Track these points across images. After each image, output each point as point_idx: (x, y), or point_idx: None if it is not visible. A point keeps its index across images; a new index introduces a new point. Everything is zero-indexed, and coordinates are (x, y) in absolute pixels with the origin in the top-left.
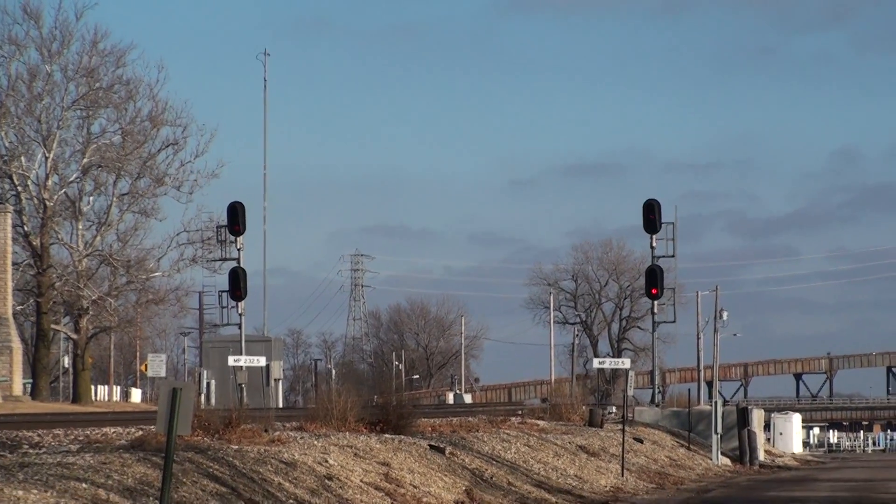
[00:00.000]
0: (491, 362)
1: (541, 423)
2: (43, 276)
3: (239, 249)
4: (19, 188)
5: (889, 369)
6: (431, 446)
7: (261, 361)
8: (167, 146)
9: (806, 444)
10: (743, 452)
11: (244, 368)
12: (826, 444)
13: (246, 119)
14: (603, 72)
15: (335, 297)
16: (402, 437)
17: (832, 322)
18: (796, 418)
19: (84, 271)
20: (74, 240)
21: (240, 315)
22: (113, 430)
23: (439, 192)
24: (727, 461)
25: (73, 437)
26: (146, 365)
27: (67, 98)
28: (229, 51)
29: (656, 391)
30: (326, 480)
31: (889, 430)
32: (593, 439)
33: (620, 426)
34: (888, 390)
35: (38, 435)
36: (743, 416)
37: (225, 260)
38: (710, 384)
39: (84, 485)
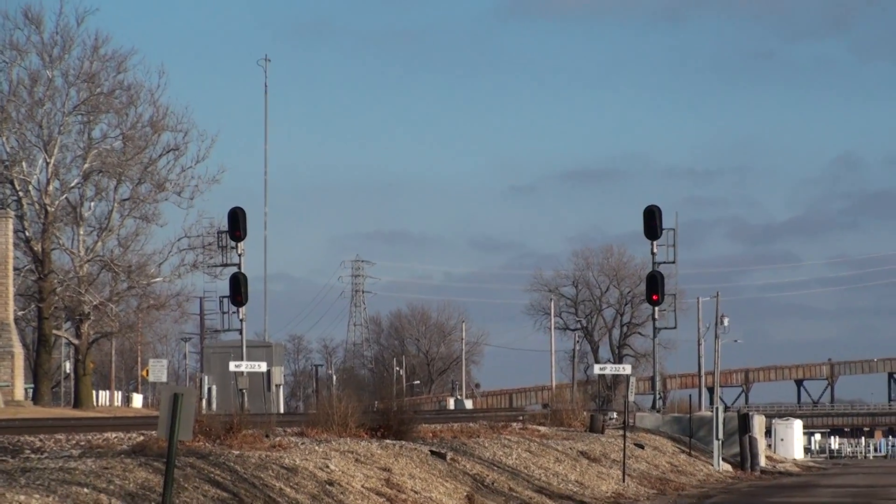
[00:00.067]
0: (492, 368)
1: (542, 428)
2: (44, 281)
3: (240, 255)
4: (20, 193)
5: (890, 375)
6: (432, 452)
7: (262, 367)
8: (168, 151)
9: (807, 450)
10: (744, 458)
11: (245, 374)
12: (827, 451)
13: (246, 124)
14: (603, 77)
15: (336, 303)
16: (403, 442)
17: (833, 328)
18: (797, 424)
19: (85, 277)
20: (75, 245)
21: (241, 320)
22: (114, 435)
23: (439, 197)
24: (728, 467)
25: (74, 442)
26: (147, 370)
27: (68, 103)
28: (230, 56)
29: (657, 397)
30: (328, 486)
31: (890, 437)
32: (594, 445)
33: (621, 432)
34: (889, 396)
35: (40, 440)
36: (744, 422)
37: (226, 265)
38: (711, 390)
39: (86, 490)
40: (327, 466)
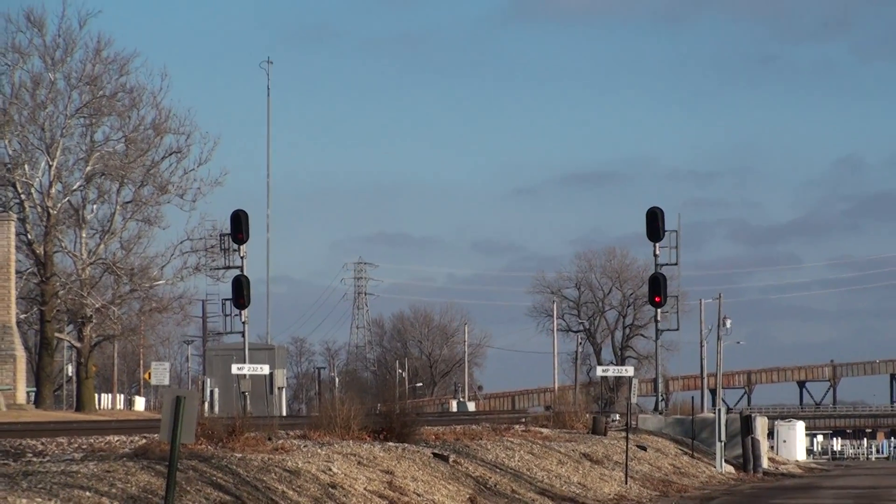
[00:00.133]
0: (494, 370)
1: (544, 430)
2: (46, 284)
3: (242, 257)
4: (23, 196)
5: (892, 377)
6: (435, 454)
7: (264, 369)
8: (170, 154)
9: (809, 451)
10: (746, 460)
11: (247, 376)
12: (830, 452)
13: (249, 127)
14: (605, 80)
15: (338, 306)
16: (406, 445)
17: (835, 330)
18: (800, 426)
19: (87, 279)
20: (78, 248)
21: (243, 323)
22: (116, 438)
23: (441, 200)
24: (731, 469)
25: (76, 445)
26: (150, 373)
27: (71, 106)
28: (232, 59)
29: (660, 399)
30: (330, 489)
31: (893, 438)
32: (597, 447)
33: (624, 434)
34: (892, 398)
35: (42, 443)
36: (746, 424)
37: (228, 268)
38: (713, 392)
39: (88, 493)
40: (330, 469)
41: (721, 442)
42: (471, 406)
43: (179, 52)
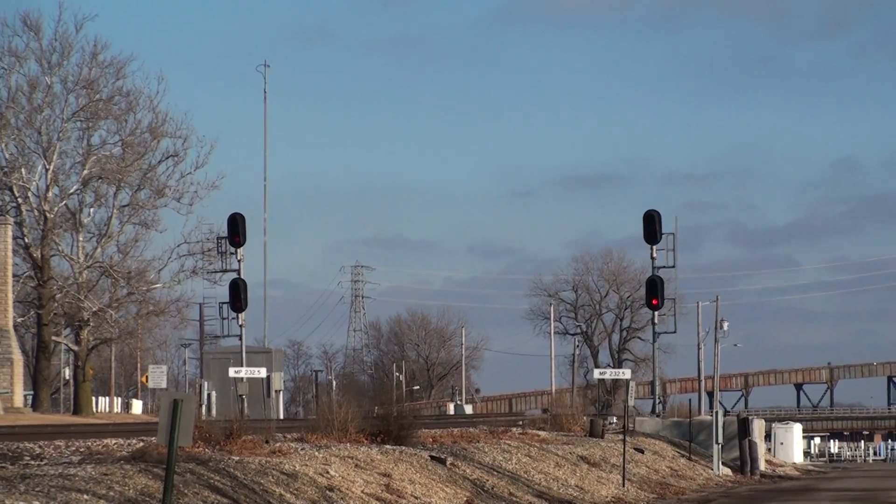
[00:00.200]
0: (491, 373)
1: (542, 433)
2: (43, 287)
3: (239, 261)
4: (20, 200)
5: (890, 379)
6: (432, 457)
7: (261, 373)
8: (167, 158)
9: (807, 454)
10: (744, 462)
11: (245, 380)
12: (827, 454)
13: (246, 130)
14: (602, 82)
15: (335, 309)
16: (403, 447)
17: (832, 332)
18: (797, 428)
19: (85, 283)
20: (75, 251)
21: (240, 326)
22: (114, 441)
23: (438, 203)
24: (728, 471)
25: (74, 448)
26: (147, 376)
27: (67, 110)
28: (229, 62)
29: (657, 401)
30: (328, 492)
31: (890, 440)
32: (594, 450)
33: (621, 436)
34: (889, 400)
35: (40, 446)
36: (744, 427)
37: (225, 271)
38: (710, 394)
39: (85, 496)
40: (327, 472)
41: (718, 444)
42: (468, 409)
43: (176, 55)
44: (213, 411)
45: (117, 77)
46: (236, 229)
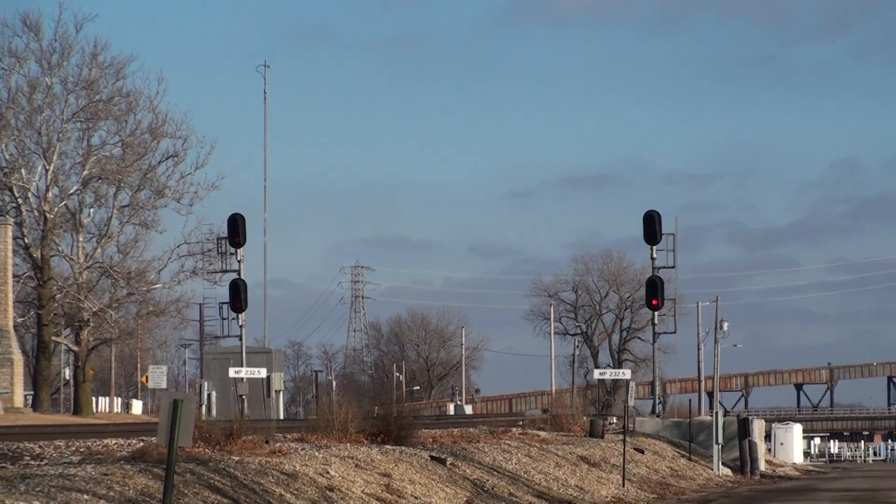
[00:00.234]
0: (491, 373)
1: (542, 433)
2: (43, 288)
3: (239, 261)
4: (20, 200)
5: (890, 379)
6: (432, 457)
7: (261, 373)
8: (167, 158)
9: (807, 454)
10: (744, 463)
11: (245, 380)
12: (827, 455)
13: (246, 130)
14: (602, 82)
15: (336, 309)
16: (403, 448)
17: (832, 332)
18: (797, 428)
19: (85, 283)
20: (75, 252)
21: (240, 326)
22: (114, 441)
23: (438, 203)
24: (728, 471)
25: (74, 448)
26: (147, 376)
27: (67, 110)
28: (229, 62)
29: (657, 402)
30: (328, 492)
31: (890, 441)
32: (594, 450)
33: (621, 437)
34: (889, 400)
35: (40, 446)
36: (744, 427)
37: (225, 272)
38: (710, 395)
39: (86, 496)
40: (327, 472)
41: (718, 444)
42: (468, 409)
43: (176, 56)
44: (214, 411)
45: (117, 77)
46: (236, 229)
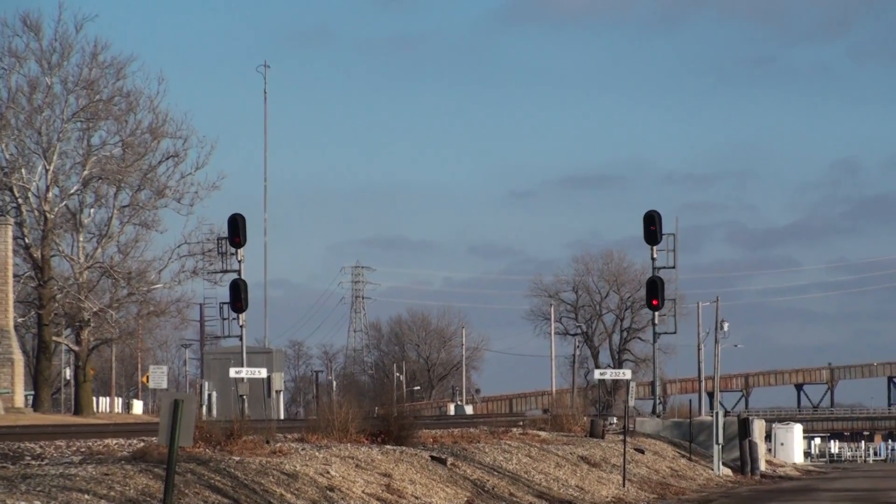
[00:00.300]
0: (492, 373)
1: (542, 433)
2: (44, 288)
3: (240, 261)
4: (20, 200)
5: (890, 379)
6: (433, 457)
7: (262, 373)
8: (168, 158)
9: (807, 454)
10: (744, 463)
11: (245, 380)
12: (827, 455)
13: (246, 130)
14: (602, 82)
15: (336, 309)
16: (404, 448)
17: (833, 332)
18: (797, 429)
19: (85, 283)
20: (75, 252)
21: (241, 327)
22: (115, 441)
23: (438, 203)
24: (728, 471)
25: (75, 448)
26: (148, 377)
27: (68, 110)
28: (229, 62)
29: (657, 402)
30: (328, 492)
31: (890, 441)
32: (595, 450)
33: (622, 437)
34: (889, 400)
35: (41, 446)
36: (744, 427)
37: (226, 272)
38: (711, 395)
39: (86, 496)
40: (328, 472)
41: (719, 445)
42: (468, 409)
43: (176, 55)
44: (214, 411)
45: (117, 77)
46: (236, 230)
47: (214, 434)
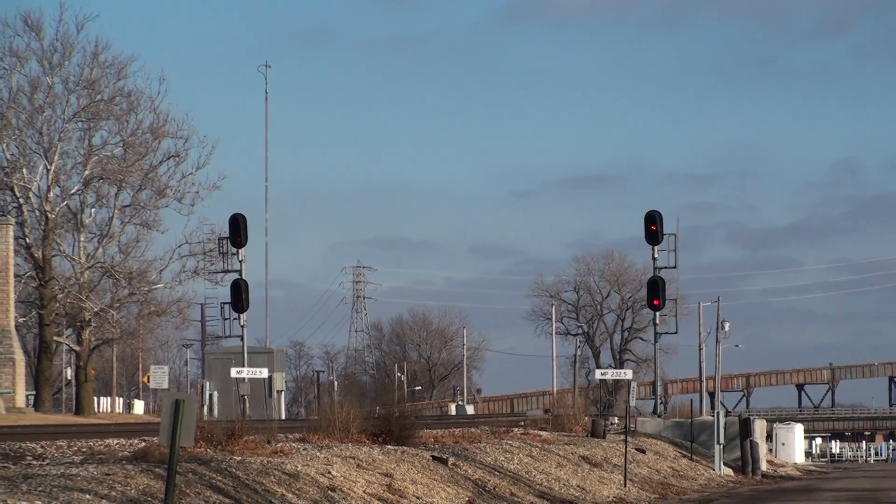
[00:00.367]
0: (493, 373)
1: (543, 433)
2: (45, 288)
3: (241, 261)
4: (21, 200)
5: (891, 379)
6: (434, 457)
7: (263, 373)
8: (169, 158)
9: (808, 454)
10: (745, 463)
11: (246, 380)
12: (828, 455)
13: (247, 130)
14: (602, 83)
15: (337, 309)
16: (405, 448)
17: (834, 332)
18: (798, 429)
19: (86, 283)
20: (76, 252)
21: (242, 327)
22: (116, 441)
23: (439, 203)
24: (729, 471)
25: (76, 448)
26: (149, 377)
27: (69, 110)
28: (230, 62)
29: (658, 402)
30: (329, 492)
31: (891, 441)
32: (596, 450)
33: (623, 437)
34: (890, 400)
35: (42, 446)
36: (745, 427)
37: (227, 272)
38: (712, 395)
39: (87, 496)
40: (329, 472)
41: (720, 445)
42: (469, 409)
43: (177, 55)
44: (215, 411)
45: (118, 77)
46: (237, 229)
47: (216, 434)
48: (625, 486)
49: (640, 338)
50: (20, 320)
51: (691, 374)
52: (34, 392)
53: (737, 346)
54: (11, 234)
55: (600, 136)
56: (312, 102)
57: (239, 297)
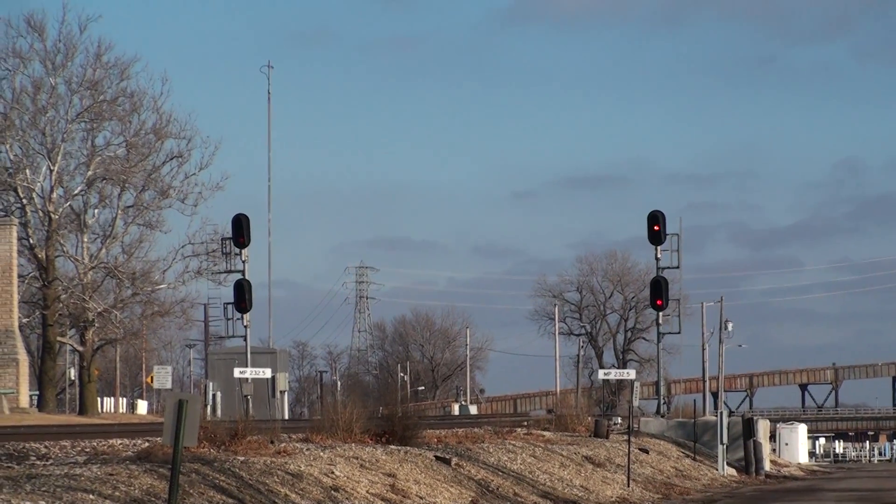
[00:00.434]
0: (496, 374)
1: (546, 434)
2: (48, 288)
3: (244, 261)
4: (24, 201)
5: (895, 379)
6: (437, 457)
7: (266, 373)
8: (172, 158)
9: (812, 454)
10: (749, 463)
11: (250, 380)
12: (832, 455)
13: (249, 131)
14: (603, 83)
15: (340, 309)
16: (408, 448)
17: (837, 332)
18: (802, 429)
19: (89, 284)
20: (80, 252)
21: (245, 327)
22: (119, 441)
23: (441, 204)
24: (733, 471)
25: (79, 448)
26: (152, 377)
27: (72, 111)
28: (233, 63)
29: (662, 402)
30: (332, 492)
31: (895, 441)
32: (599, 450)
33: (626, 437)
34: (894, 400)
35: (45, 447)
36: (748, 427)
37: (230, 272)
38: (715, 395)
39: (91, 496)
40: (332, 472)
41: (723, 445)
42: (473, 409)
43: (180, 56)
44: (218, 412)
45: (121, 78)
46: (240, 230)
47: (219, 434)
48: (628, 486)
49: (644, 338)
50: (24, 321)
51: (694, 374)
52: (38, 392)
53: (740, 346)
54: (15, 234)
55: (602, 137)
56: (313, 103)
57: (242, 297)
